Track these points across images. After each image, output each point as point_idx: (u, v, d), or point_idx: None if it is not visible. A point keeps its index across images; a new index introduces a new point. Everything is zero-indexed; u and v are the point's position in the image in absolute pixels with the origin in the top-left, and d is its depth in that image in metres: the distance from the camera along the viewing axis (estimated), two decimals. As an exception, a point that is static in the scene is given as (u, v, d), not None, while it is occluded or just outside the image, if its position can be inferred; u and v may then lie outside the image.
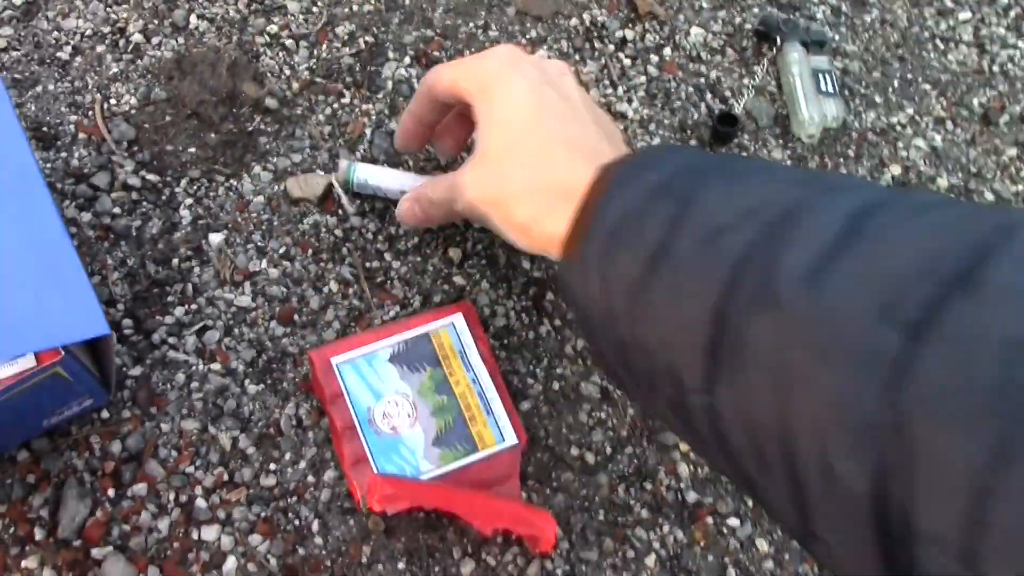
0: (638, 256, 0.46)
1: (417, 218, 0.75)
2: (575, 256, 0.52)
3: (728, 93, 0.97)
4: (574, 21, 0.98)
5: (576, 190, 0.54)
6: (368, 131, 0.88)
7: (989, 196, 0.97)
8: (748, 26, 1.01)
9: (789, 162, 0.95)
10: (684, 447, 0.79)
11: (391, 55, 0.93)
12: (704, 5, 1.01)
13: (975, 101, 1.02)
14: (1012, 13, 1.07)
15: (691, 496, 0.77)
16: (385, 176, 0.82)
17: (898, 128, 0.99)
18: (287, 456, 0.73)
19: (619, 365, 0.52)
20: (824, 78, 0.96)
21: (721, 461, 0.46)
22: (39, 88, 0.86)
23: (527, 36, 0.97)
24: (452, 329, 0.77)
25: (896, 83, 1.02)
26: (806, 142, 0.94)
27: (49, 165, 0.82)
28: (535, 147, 0.58)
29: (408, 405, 0.73)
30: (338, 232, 0.83)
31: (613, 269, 0.47)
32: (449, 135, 0.79)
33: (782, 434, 0.39)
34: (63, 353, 0.62)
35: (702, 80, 0.97)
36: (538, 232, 0.59)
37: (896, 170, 0.96)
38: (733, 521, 0.77)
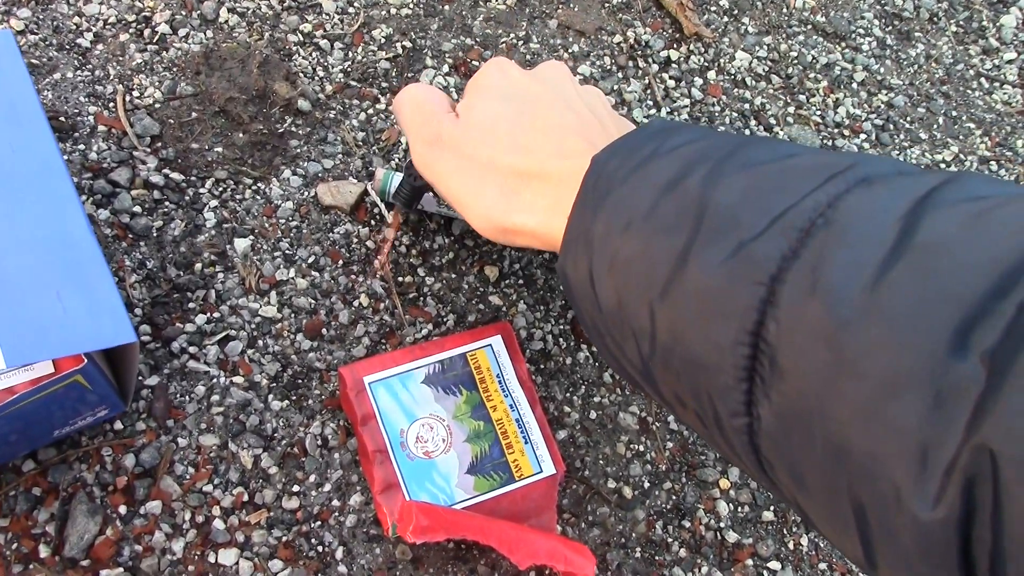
0: (656, 269, 0.41)
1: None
2: (576, 248, 0.48)
3: (772, 120, 0.94)
4: (617, 38, 0.95)
5: (566, 174, 0.51)
6: (403, 139, 0.85)
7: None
8: (793, 53, 0.99)
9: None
10: (724, 484, 0.75)
11: (429, 62, 0.90)
12: (750, 30, 0.98)
13: (1019, 143, 1.00)
14: (1055, 55, 1.06)
15: (731, 536, 0.74)
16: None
17: (943, 166, 0.97)
18: (311, 478, 0.68)
19: (639, 367, 0.47)
20: None
21: (761, 477, 0.43)
22: (57, 75, 0.81)
23: (569, 51, 0.94)
24: (490, 351, 0.73)
25: (941, 120, 0.99)
26: (798, 8, 0.94)
27: (66, 157, 0.77)
28: (526, 125, 0.55)
29: (443, 429, 0.69)
30: (370, 243, 0.79)
31: (625, 275, 0.43)
32: None
33: (839, 464, 0.35)
34: (85, 360, 0.58)
35: (746, 106, 0.94)
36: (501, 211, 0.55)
37: (940, 207, 0.94)
38: (774, 564, 0.74)
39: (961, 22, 1.06)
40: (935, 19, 1.04)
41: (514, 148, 0.53)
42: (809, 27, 1.01)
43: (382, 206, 0.79)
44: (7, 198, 0.62)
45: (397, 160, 0.84)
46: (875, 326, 0.33)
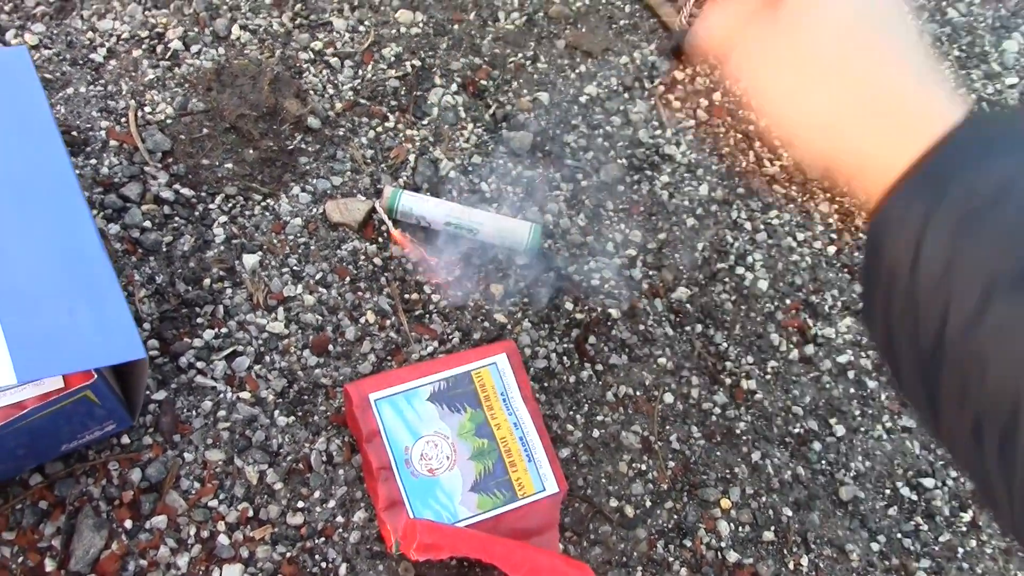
0: (1009, 256, 0.37)
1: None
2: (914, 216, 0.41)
3: (777, 143, 0.95)
4: (624, 59, 0.96)
5: (922, 117, 0.42)
6: (412, 157, 0.85)
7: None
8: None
9: (835, 216, 0.93)
10: (725, 504, 0.76)
11: (438, 80, 0.91)
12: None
13: (1020, 166, 1.01)
14: (1057, 80, 1.07)
15: (731, 556, 0.74)
16: (429, 205, 0.79)
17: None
18: (316, 494, 0.69)
19: (919, 365, 0.43)
20: None
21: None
22: (70, 90, 0.82)
23: (576, 71, 0.94)
24: (495, 369, 0.74)
25: (942, 142, 1.00)
26: None
27: (78, 171, 0.78)
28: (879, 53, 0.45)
29: (447, 446, 0.70)
30: (377, 261, 0.79)
31: (969, 256, 0.38)
32: None
33: None
34: (95, 376, 0.58)
35: (751, 127, 0.95)
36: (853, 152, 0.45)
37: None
38: (774, 587, 0.74)
39: (963, 47, 1.07)
40: (938, 44, 1.05)
41: (871, 61, 0.45)
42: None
43: (389, 224, 0.80)
44: (21, 213, 0.63)
45: (405, 179, 0.84)
46: None
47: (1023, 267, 0.36)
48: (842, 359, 0.84)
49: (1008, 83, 1.05)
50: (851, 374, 0.84)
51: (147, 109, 0.83)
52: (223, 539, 0.66)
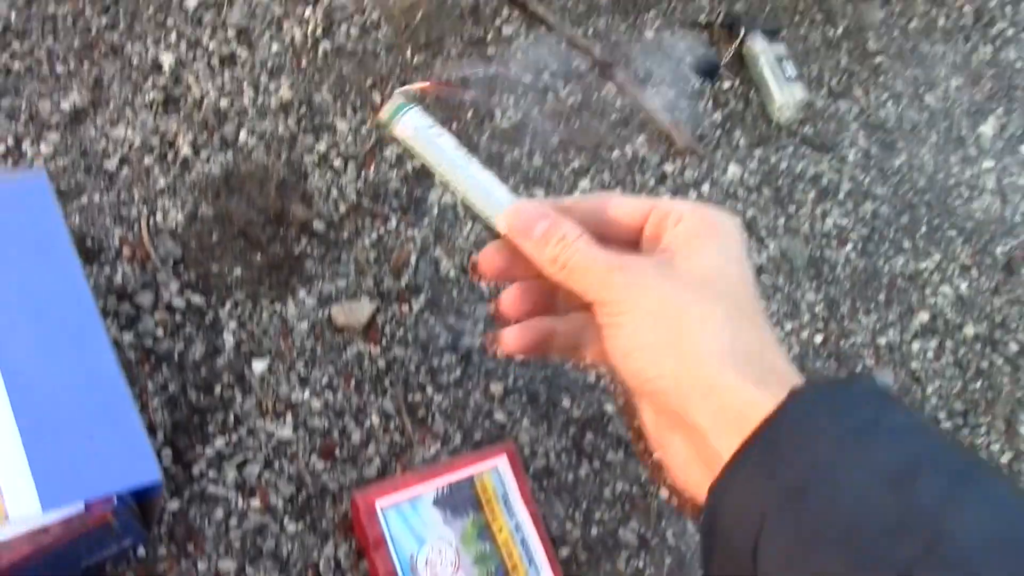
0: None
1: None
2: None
3: (764, 232, 0.99)
4: (616, 153, 1.00)
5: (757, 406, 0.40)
6: (413, 258, 0.89)
7: (1014, 346, 0.99)
8: (784, 165, 1.04)
9: (821, 304, 0.96)
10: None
11: (437, 180, 0.94)
12: (742, 143, 1.04)
13: (998, 250, 1.05)
14: (1032, 163, 1.11)
15: (727, 652, 0.76)
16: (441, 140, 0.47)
17: (926, 274, 1.01)
18: (325, 601, 0.71)
19: None
20: (786, 65, 1.07)
21: None
22: (84, 199, 0.86)
23: (570, 166, 0.98)
24: (495, 473, 0.76)
25: (923, 228, 1.04)
26: (783, 125, 1.06)
27: (91, 280, 0.81)
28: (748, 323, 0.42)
29: (452, 553, 0.73)
30: (380, 363, 0.83)
31: (817, 558, 0.37)
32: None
33: None
34: (116, 501, 0.61)
35: (738, 219, 0.99)
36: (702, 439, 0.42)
37: (924, 317, 0.98)
38: None
39: (941, 131, 1.11)
40: (917, 129, 1.10)
41: (709, 337, 0.41)
42: (797, 139, 1.06)
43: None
44: (41, 338, 0.66)
45: (407, 279, 0.88)
46: None
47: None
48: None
49: (985, 166, 1.10)
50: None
51: (159, 217, 0.86)
52: (236, 649, 0.68)
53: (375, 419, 0.80)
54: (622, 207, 0.44)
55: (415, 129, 0.45)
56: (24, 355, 0.64)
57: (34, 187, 0.73)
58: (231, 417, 0.78)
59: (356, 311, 0.84)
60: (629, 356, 0.41)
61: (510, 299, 0.46)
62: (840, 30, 1.15)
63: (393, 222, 0.91)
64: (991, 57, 1.18)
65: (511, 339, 0.46)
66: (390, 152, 0.95)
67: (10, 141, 0.87)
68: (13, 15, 0.93)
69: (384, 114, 0.46)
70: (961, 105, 1.14)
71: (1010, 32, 1.19)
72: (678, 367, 0.39)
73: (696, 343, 0.39)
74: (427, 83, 0.49)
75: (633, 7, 1.11)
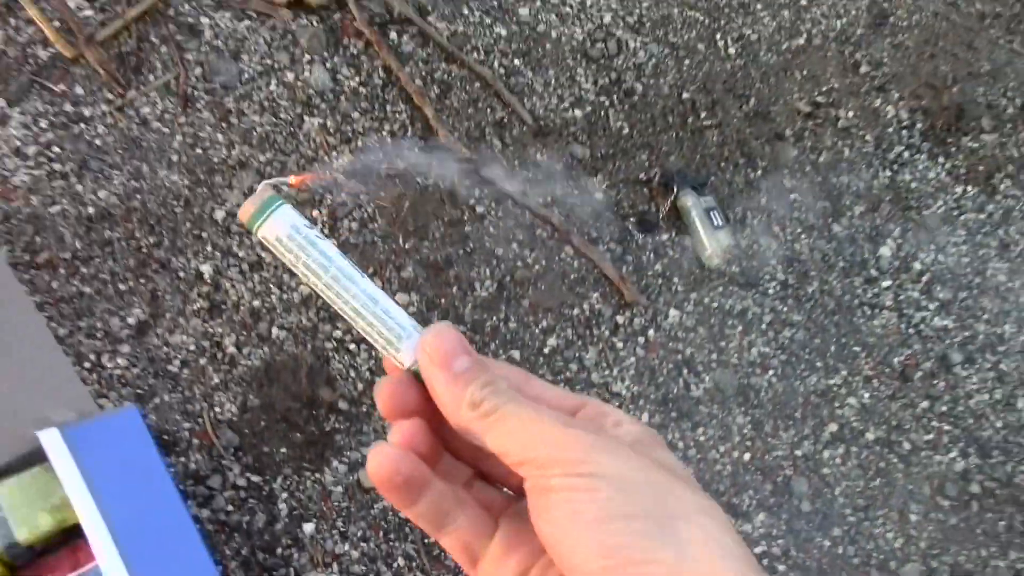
0: None
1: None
2: None
3: (700, 367, 1.22)
4: (576, 311, 1.23)
5: None
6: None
7: (907, 445, 1.22)
8: (715, 304, 1.27)
9: (749, 426, 1.20)
10: None
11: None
12: (679, 288, 1.26)
13: (895, 360, 1.28)
14: (923, 278, 1.34)
15: None
16: (323, 244, 0.40)
17: (835, 389, 1.24)
18: None
19: None
20: (714, 215, 1.27)
21: None
22: (157, 399, 1.09)
23: (539, 327, 1.22)
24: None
25: (833, 347, 1.27)
26: (713, 269, 1.26)
27: (171, 469, 1.05)
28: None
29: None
30: (401, 514, 1.06)
31: None
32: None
33: None
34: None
35: (679, 357, 1.22)
36: None
37: (833, 427, 1.22)
38: None
39: (847, 257, 1.34)
40: (826, 258, 1.32)
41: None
42: (726, 279, 1.29)
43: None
44: (150, 552, 0.89)
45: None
46: None
47: None
48: (758, 550, 1.11)
49: (884, 285, 1.33)
50: (765, 561, 1.10)
51: (217, 410, 1.09)
52: None
53: (401, 561, 1.03)
54: (545, 389, 0.38)
55: (291, 229, 0.37)
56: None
57: (128, 422, 0.96)
58: (292, 573, 1.01)
59: (378, 474, 1.07)
60: (602, 527, 0.32)
61: (403, 434, 0.36)
62: (760, 171, 1.38)
63: (401, 393, 1.14)
64: (889, 181, 1.40)
65: (377, 462, 0.35)
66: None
67: (92, 358, 1.10)
68: (78, 243, 1.16)
69: (248, 209, 0.38)
70: (863, 231, 1.37)
71: (905, 155, 1.42)
72: (679, 556, 0.31)
73: (706, 531, 0.32)
74: (297, 177, 0.43)
75: (584, 171, 1.34)
